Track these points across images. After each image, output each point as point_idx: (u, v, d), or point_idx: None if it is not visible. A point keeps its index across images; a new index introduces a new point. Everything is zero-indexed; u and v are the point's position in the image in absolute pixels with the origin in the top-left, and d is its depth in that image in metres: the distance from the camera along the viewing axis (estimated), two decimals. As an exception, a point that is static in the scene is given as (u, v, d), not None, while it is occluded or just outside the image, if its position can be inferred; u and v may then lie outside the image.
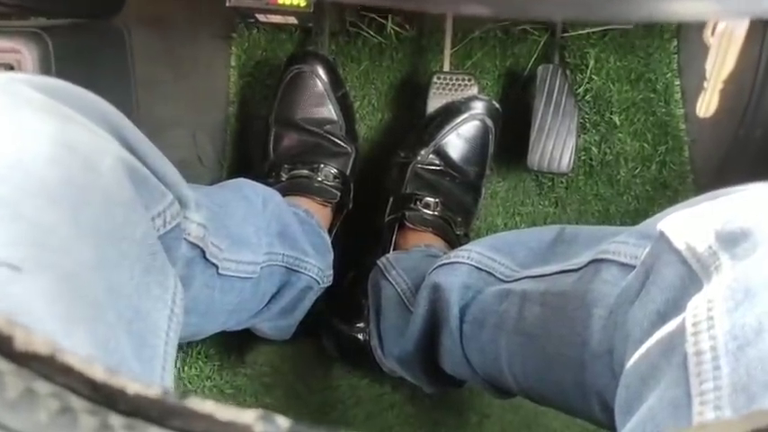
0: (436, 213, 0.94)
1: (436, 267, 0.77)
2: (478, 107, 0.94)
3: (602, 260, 0.56)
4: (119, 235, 0.48)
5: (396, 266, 0.88)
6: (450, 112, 0.95)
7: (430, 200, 0.94)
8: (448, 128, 0.95)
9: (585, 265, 0.58)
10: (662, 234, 0.45)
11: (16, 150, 0.43)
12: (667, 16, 0.19)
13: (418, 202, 0.94)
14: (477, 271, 0.73)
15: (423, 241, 0.94)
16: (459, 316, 0.73)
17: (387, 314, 0.88)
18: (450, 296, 0.73)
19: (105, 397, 0.21)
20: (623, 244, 0.55)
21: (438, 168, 0.95)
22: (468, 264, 0.74)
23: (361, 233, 1.00)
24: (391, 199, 0.96)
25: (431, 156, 0.95)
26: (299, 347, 1.02)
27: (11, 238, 0.39)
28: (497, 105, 0.95)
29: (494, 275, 0.72)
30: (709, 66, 0.51)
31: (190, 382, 0.99)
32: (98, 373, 0.21)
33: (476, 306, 0.72)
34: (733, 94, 0.84)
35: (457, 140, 0.95)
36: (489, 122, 0.94)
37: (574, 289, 0.58)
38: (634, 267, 0.51)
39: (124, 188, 0.50)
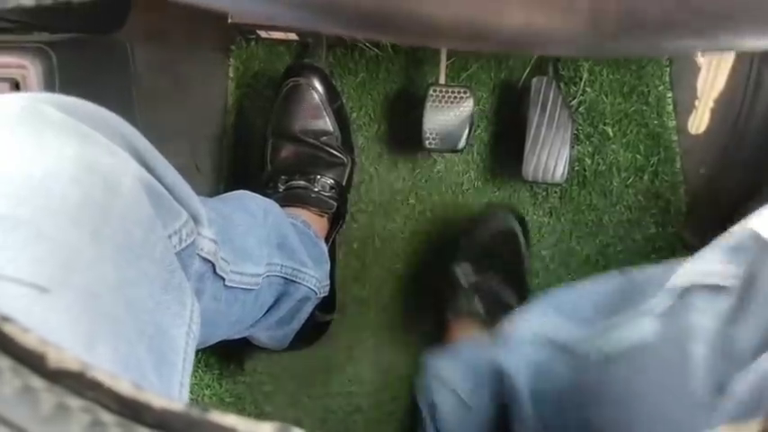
0: (484, 311, 0.92)
1: (495, 348, 0.72)
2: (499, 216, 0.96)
3: (689, 289, 0.51)
4: (138, 253, 0.49)
5: (446, 364, 0.85)
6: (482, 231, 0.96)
7: (478, 303, 0.92)
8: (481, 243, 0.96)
9: (671, 303, 0.53)
10: (758, 236, 0.41)
11: (38, 171, 0.43)
12: (654, 53, 0.20)
13: (468, 304, 0.92)
14: (543, 343, 0.67)
15: (471, 331, 0.92)
16: (531, 401, 0.66)
17: (445, 417, 0.82)
18: (517, 380, 0.67)
19: (133, 411, 0.22)
20: (710, 263, 0.50)
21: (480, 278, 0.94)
22: (530, 336, 0.68)
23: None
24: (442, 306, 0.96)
25: (470, 268, 0.95)
26: (297, 356, 1.03)
27: (35, 257, 0.40)
28: (516, 213, 0.97)
29: (562, 344, 0.65)
30: (700, 85, 0.52)
31: (189, 391, 1.00)
32: (125, 388, 0.22)
33: (548, 384, 0.65)
34: (723, 110, 0.86)
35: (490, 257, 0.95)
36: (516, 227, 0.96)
37: (662, 333, 0.53)
38: (728, 288, 0.47)
39: (143, 207, 0.50)
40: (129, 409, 0.22)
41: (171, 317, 0.52)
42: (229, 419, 0.22)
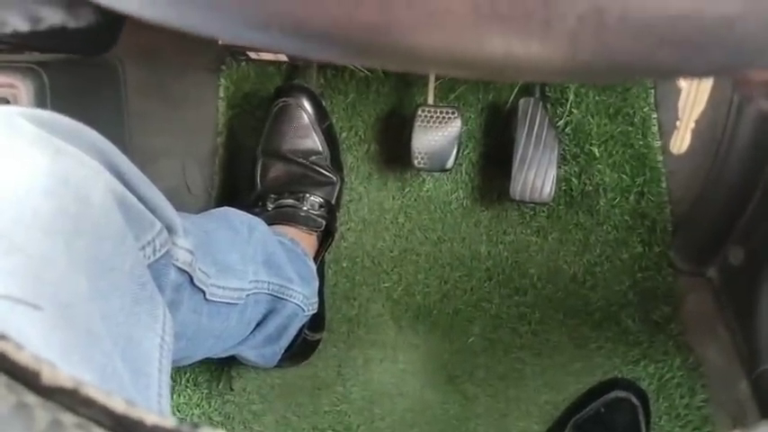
0: None
1: None
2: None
3: None
4: (108, 266, 0.49)
5: None
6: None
7: None
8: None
9: None
10: None
11: (10, 183, 0.44)
12: (630, 80, 0.21)
13: None
14: None
15: None
16: None
17: None
18: None
19: (125, 428, 0.22)
20: None
21: None
22: None
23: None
24: None
25: None
26: (286, 375, 1.03)
27: (7, 270, 0.40)
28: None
29: None
30: (681, 105, 0.53)
31: (179, 410, 1.00)
32: (118, 405, 0.22)
33: None
34: (706, 130, 0.87)
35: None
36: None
37: None
38: None
39: (114, 219, 0.51)
40: (121, 425, 0.22)
41: (143, 329, 0.53)
42: (220, 435, 0.23)
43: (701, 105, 0.51)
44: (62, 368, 0.38)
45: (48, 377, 0.22)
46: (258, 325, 0.88)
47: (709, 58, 0.20)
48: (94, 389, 0.22)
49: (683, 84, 0.51)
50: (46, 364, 0.22)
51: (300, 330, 0.95)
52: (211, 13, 0.22)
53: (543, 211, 1.06)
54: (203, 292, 0.71)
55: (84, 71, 0.80)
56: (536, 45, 0.18)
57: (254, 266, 0.81)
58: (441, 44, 0.19)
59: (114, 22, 0.77)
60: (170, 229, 0.62)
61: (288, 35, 0.21)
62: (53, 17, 0.52)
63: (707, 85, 0.50)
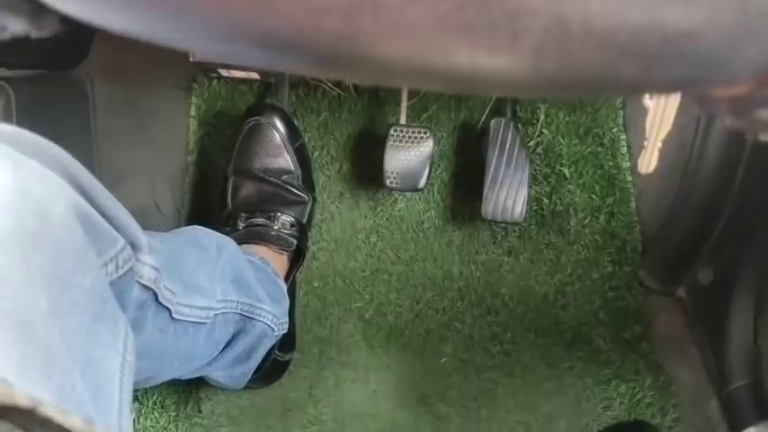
0: None
1: None
2: None
3: None
4: (68, 282, 0.48)
5: None
6: None
7: None
8: None
9: None
10: None
11: None
12: (595, 95, 0.21)
13: None
14: None
15: None
16: None
17: None
18: None
19: (83, 447, 0.21)
20: None
21: None
22: None
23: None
24: None
25: None
26: (256, 397, 1.02)
27: None
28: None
29: None
30: (648, 125, 0.54)
31: (145, 434, 0.98)
32: (76, 424, 0.22)
33: None
34: (674, 150, 0.88)
35: None
36: None
37: None
38: None
39: (75, 236, 0.50)
40: (79, 445, 0.21)
41: (103, 347, 0.52)
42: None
43: (667, 125, 0.52)
44: (19, 386, 0.37)
45: (4, 396, 0.21)
46: (227, 345, 0.87)
47: (671, 71, 0.20)
48: (52, 408, 0.22)
49: (649, 103, 0.52)
50: (2, 382, 0.22)
51: (270, 351, 0.94)
52: (177, 26, 0.21)
53: (515, 231, 1.06)
54: (169, 311, 0.70)
55: (51, 87, 0.79)
56: (502, 57, 0.18)
57: (223, 286, 0.81)
58: (407, 55, 0.19)
59: (82, 36, 0.76)
60: (134, 246, 0.61)
61: (254, 46, 0.21)
62: (15, 26, 0.52)
63: (674, 104, 0.50)
